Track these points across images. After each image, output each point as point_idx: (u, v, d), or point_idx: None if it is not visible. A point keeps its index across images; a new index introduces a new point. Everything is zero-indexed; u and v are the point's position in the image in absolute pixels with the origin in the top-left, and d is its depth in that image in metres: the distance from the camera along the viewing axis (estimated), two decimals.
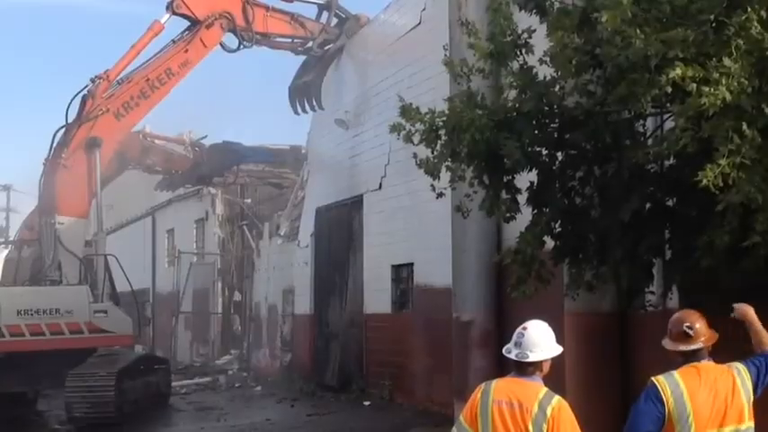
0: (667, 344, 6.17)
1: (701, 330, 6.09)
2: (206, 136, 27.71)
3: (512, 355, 6.14)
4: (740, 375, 6.05)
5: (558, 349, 6.22)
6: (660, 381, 5.99)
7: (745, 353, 6.33)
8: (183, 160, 27.97)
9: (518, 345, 6.14)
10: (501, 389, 6.16)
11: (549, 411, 5.96)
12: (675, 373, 6.03)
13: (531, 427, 5.96)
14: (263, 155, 28.40)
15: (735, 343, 6.61)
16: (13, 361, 19.55)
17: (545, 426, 5.94)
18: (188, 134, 30.00)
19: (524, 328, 6.18)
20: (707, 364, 6.08)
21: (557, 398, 6.05)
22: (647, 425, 5.90)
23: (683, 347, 6.05)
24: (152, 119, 25.42)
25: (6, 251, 24.01)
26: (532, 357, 6.11)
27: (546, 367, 6.17)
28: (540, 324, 6.25)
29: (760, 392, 6.13)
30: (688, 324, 6.08)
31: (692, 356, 6.07)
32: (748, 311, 6.43)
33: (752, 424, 6.01)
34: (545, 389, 6.10)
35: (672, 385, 5.94)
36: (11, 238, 29.11)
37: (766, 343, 6.30)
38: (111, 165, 24.36)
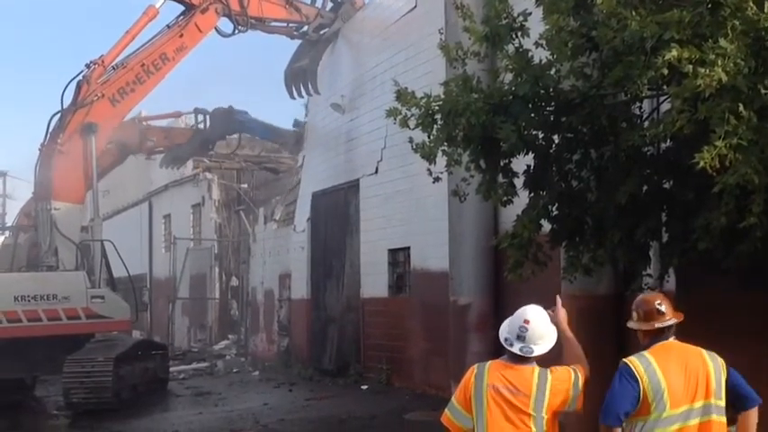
0: (636, 324, 6.22)
1: (669, 306, 6.19)
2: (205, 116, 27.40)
3: (515, 350, 6.11)
4: (712, 357, 6.09)
5: (555, 334, 6.24)
6: (632, 360, 6.05)
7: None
8: (182, 133, 27.86)
9: (521, 338, 6.10)
10: (495, 373, 6.15)
11: (547, 388, 5.99)
12: (646, 353, 6.10)
13: (531, 410, 5.98)
14: (265, 131, 28.17)
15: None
16: (10, 347, 19.58)
17: (546, 402, 5.97)
18: (184, 119, 29.93)
19: (527, 322, 6.13)
20: (674, 342, 6.14)
21: (549, 375, 6.07)
22: (624, 405, 5.95)
23: (658, 324, 6.11)
24: (148, 104, 25.40)
25: (3, 237, 24.02)
26: (537, 351, 6.11)
27: None
28: (539, 313, 6.22)
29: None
30: (659, 302, 6.18)
31: (661, 335, 6.14)
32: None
33: (722, 403, 6.02)
34: (537, 368, 6.11)
35: (644, 364, 6.00)
36: (7, 225, 29.11)
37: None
38: (112, 154, 24.39)
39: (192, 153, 28.85)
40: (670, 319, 6.13)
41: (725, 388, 6.03)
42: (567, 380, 6.08)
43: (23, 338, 19.62)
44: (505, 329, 6.22)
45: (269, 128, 27.96)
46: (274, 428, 16.55)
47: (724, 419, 6.03)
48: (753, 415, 6.15)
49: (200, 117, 27.04)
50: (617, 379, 6.02)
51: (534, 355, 6.11)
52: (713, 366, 6.03)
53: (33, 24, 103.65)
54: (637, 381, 5.94)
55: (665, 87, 8.41)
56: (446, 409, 6.38)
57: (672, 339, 6.14)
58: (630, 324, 6.27)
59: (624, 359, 6.10)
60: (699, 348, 6.14)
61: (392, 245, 20.87)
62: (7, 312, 19.73)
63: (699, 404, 5.95)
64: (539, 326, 6.15)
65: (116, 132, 22.79)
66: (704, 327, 10.55)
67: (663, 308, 6.13)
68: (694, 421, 5.94)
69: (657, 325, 6.11)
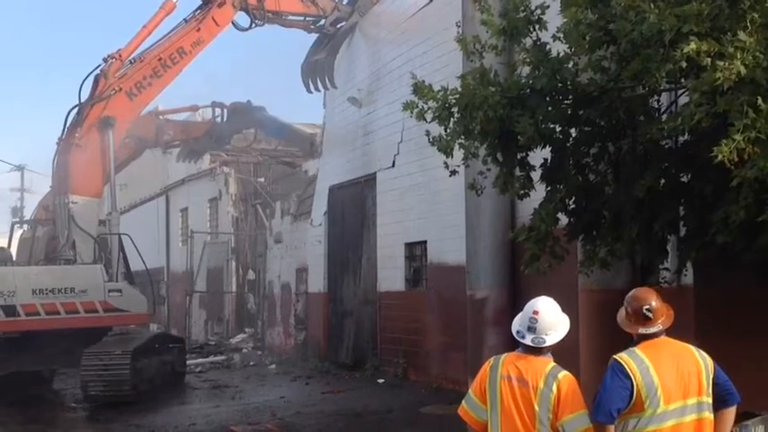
0: (625, 325, 6.19)
1: (659, 310, 6.12)
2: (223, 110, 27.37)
3: (527, 341, 6.14)
4: (701, 354, 6.08)
5: (567, 322, 6.24)
6: (623, 357, 6.02)
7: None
8: (199, 127, 27.88)
9: (532, 330, 6.13)
10: (509, 364, 6.19)
11: (554, 387, 5.99)
12: (636, 350, 6.08)
13: (536, 405, 5.99)
14: (281, 130, 28.16)
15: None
16: (28, 340, 19.65)
17: (551, 402, 5.96)
18: (201, 113, 29.96)
19: (536, 313, 6.16)
20: (665, 338, 6.13)
21: (563, 373, 6.07)
22: (615, 402, 5.92)
23: (642, 330, 6.09)
24: (164, 98, 25.44)
25: (21, 231, 24.10)
26: (549, 341, 6.14)
27: None
28: (549, 304, 6.24)
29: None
30: (647, 307, 6.10)
31: (651, 335, 6.10)
32: None
33: (710, 400, 6.02)
34: (552, 364, 6.11)
35: (636, 360, 5.98)
36: (25, 218, 29.19)
37: None
38: (129, 148, 24.43)
39: (208, 147, 28.88)
40: (656, 326, 6.08)
41: (712, 385, 6.02)
42: (577, 392, 6.05)
43: (41, 331, 19.68)
44: (517, 322, 6.26)
45: (286, 127, 27.95)
46: (291, 421, 16.57)
47: (712, 417, 6.04)
48: (733, 412, 6.16)
49: (217, 111, 27.05)
50: (608, 376, 6.00)
51: (546, 344, 6.13)
52: (703, 363, 6.03)
53: (51, 17, 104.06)
54: (629, 378, 5.91)
55: (683, 80, 8.39)
56: (463, 401, 6.42)
57: (663, 337, 6.12)
58: (618, 320, 6.24)
59: (615, 356, 6.06)
60: (688, 345, 6.14)
61: (409, 238, 20.87)
62: (25, 305, 19.78)
63: (692, 401, 5.95)
64: (548, 316, 6.17)
65: (133, 126, 22.82)
66: (722, 321, 10.54)
67: (650, 314, 6.07)
68: (690, 418, 5.94)
69: (641, 331, 6.08)
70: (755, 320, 10.51)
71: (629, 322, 6.13)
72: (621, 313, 6.22)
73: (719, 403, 6.08)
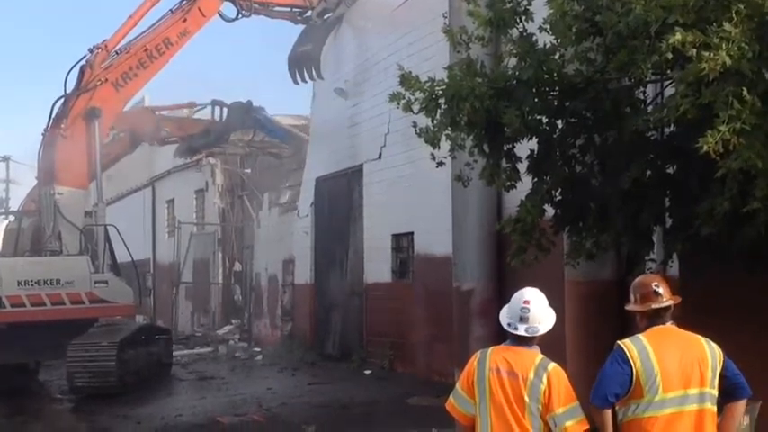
0: (633, 306, 6.23)
1: (666, 288, 6.18)
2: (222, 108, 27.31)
3: (520, 331, 6.12)
4: (710, 346, 6.07)
5: (553, 313, 6.26)
6: (626, 343, 6.06)
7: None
8: (195, 124, 27.80)
9: (524, 320, 6.12)
10: (497, 357, 6.17)
11: (544, 378, 5.98)
12: (641, 336, 6.11)
13: (526, 396, 5.99)
14: (281, 132, 28.14)
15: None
16: (14, 331, 19.58)
17: (541, 393, 5.97)
18: (189, 111, 29.87)
19: (527, 302, 6.15)
20: (672, 326, 6.15)
21: (552, 365, 6.07)
22: (613, 387, 5.95)
23: (654, 305, 6.11)
24: (152, 89, 25.36)
25: (7, 222, 24.03)
26: (542, 330, 6.14)
27: None
28: (538, 295, 6.25)
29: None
30: (656, 283, 6.18)
31: (659, 318, 6.14)
32: None
33: (715, 392, 6.01)
34: (541, 356, 6.12)
35: (638, 346, 6.00)
36: (11, 209, 29.09)
37: None
38: (124, 143, 24.37)
39: (207, 145, 28.80)
40: (666, 300, 6.13)
41: (720, 377, 6.03)
42: (568, 385, 6.06)
43: (27, 323, 19.63)
44: (506, 314, 6.24)
45: (285, 130, 27.87)
46: (277, 413, 16.58)
47: (715, 409, 6.04)
48: (743, 405, 6.17)
49: (212, 109, 26.97)
50: (609, 362, 6.04)
51: (540, 333, 6.13)
52: (710, 355, 6.02)
53: (36, 7, 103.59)
54: (628, 363, 5.94)
55: (669, 72, 8.39)
56: (450, 396, 6.40)
57: (669, 324, 6.14)
58: (628, 306, 6.29)
59: (618, 341, 6.10)
60: (697, 336, 6.13)
61: (396, 230, 20.86)
62: (11, 297, 19.72)
63: (694, 391, 5.95)
64: (539, 305, 6.18)
65: (130, 121, 22.80)
66: (707, 312, 10.57)
67: (660, 289, 6.13)
68: (690, 408, 5.94)
69: (654, 306, 6.11)
70: (741, 310, 10.56)
71: (641, 303, 6.16)
72: (630, 300, 6.26)
73: (728, 397, 6.08)
